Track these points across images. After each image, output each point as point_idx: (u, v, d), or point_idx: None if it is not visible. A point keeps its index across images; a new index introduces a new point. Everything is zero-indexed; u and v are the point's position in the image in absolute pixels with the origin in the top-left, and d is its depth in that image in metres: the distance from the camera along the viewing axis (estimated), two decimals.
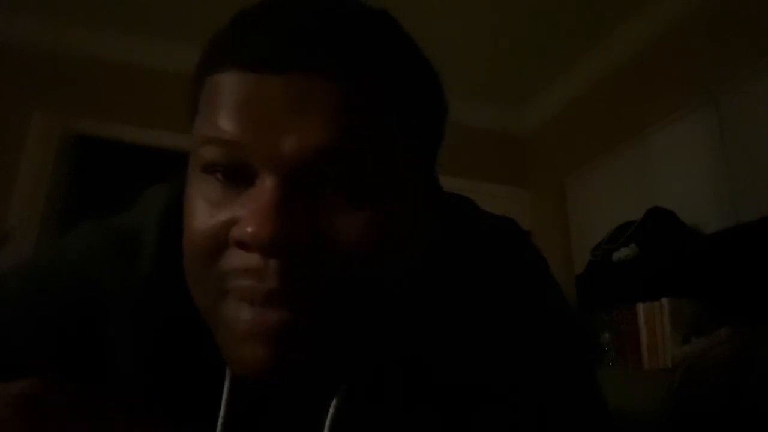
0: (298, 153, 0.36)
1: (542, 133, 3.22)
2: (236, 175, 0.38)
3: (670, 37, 2.39)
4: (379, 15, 0.43)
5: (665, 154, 2.31)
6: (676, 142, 2.27)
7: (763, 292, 1.69)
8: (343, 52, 0.37)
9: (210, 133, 0.38)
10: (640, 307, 1.96)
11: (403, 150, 0.40)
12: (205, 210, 0.39)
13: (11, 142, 2.60)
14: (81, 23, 2.71)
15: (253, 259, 0.36)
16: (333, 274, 0.37)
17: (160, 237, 0.48)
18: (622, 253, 2.13)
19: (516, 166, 3.30)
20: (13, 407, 0.28)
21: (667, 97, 2.35)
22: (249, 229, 0.35)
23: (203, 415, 0.44)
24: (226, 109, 0.37)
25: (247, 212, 0.36)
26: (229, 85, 0.38)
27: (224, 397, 0.44)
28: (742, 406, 1.19)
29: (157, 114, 2.61)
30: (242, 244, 0.36)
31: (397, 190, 0.40)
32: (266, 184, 0.36)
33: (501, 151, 3.32)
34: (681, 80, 2.31)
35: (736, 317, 1.64)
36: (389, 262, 0.39)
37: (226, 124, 0.37)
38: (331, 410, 0.44)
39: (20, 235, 2.41)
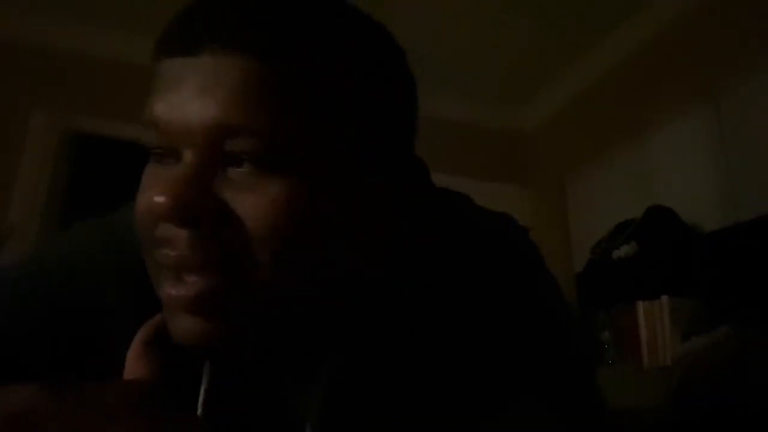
0: (202, 129, 0.38)
1: (543, 132, 3.23)
2: (170, 156, 0.40)
3: (671, 37, 2.39)
4: None
5: (665, 153, 2.31)
6: (676, 141, 2.27)
7: (763, 291, 1.69)
8: (254, 30, 0.39)
9: (145, 118, 0.41)
10: (640, 305, 1.96)
11: (328, 130, 0.40)
12: (144, 189, 0.42)
13: (11, 140, 2.60)
14: (81, 21, 2.70)
15: (169, 229, 0.38)
16: (241, 246, 0.38)
17: None
18: (622, 252, 2.13)
19: (517, 164, 3.30)
20: (5, 421, 0.27)
21: (667, 96, 2.35)
22: (155, 199, 0.37)
23: (191, 402, 0.46)
24: (154, 95, 0.40)
25: (160, 185, 0.38)
26: (158, 72, 0.41)
27: (203, 386, 0.46)
28: (741, 404, 1.19)
29: None
30: (155, 214, 0.39)
31: (318, 170, 0.40)
32: (184, 161, 0.39)
33: (502, 149, 3.32)
34: (681, 80, 2.31)
35: (736, 315, 1.65)
36: (305, 240, 0.39)
37: (153, 108, 0.40)
38: (319, 396, 0.45)
39: (20, 234, 2.41)
